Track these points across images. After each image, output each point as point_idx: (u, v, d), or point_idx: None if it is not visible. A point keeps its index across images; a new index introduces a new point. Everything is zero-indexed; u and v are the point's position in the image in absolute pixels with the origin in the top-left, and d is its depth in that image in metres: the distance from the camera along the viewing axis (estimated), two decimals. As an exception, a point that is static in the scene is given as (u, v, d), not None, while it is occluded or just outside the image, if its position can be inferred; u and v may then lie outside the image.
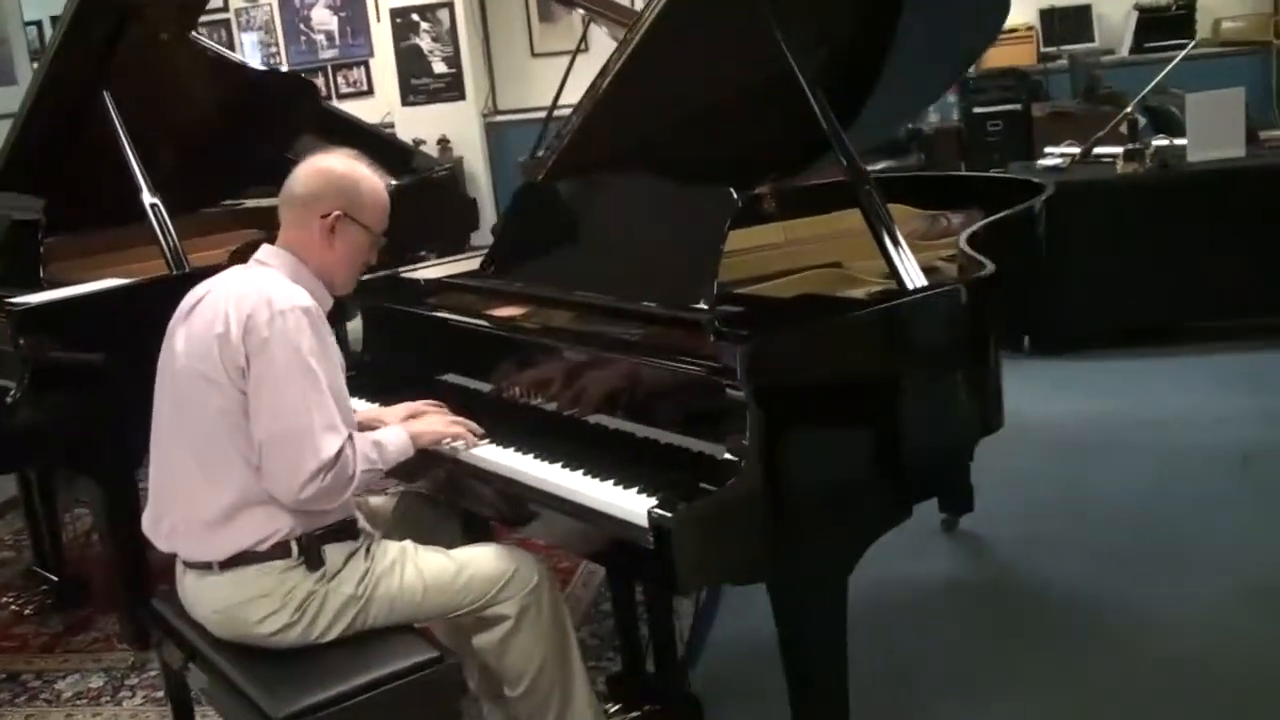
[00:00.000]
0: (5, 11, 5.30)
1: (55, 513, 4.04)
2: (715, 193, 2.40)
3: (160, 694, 3.31)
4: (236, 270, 2.45)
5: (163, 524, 2.42)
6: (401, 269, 3.30)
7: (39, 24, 9.42)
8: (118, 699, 3.35)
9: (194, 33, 4.16)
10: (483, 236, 7.76)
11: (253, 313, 2.26)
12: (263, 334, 2.24)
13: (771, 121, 3.16)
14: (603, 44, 7.20)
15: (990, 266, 2.45)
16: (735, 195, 2.37)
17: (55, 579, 4.02)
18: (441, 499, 2.74)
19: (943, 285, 2.46)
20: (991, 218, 2.98)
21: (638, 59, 2.76)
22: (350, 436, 2.32)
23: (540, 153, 7.05)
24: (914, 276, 2.37)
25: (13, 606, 3.98)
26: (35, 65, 5.82)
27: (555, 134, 3.01)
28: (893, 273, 2.40)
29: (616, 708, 2.87)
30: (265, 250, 2.46)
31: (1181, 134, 5.61)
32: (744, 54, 2.83)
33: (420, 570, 2.40)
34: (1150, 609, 3.28)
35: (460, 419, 2.56)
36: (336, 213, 2.41)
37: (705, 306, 2.30)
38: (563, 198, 2.87)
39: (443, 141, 8.85)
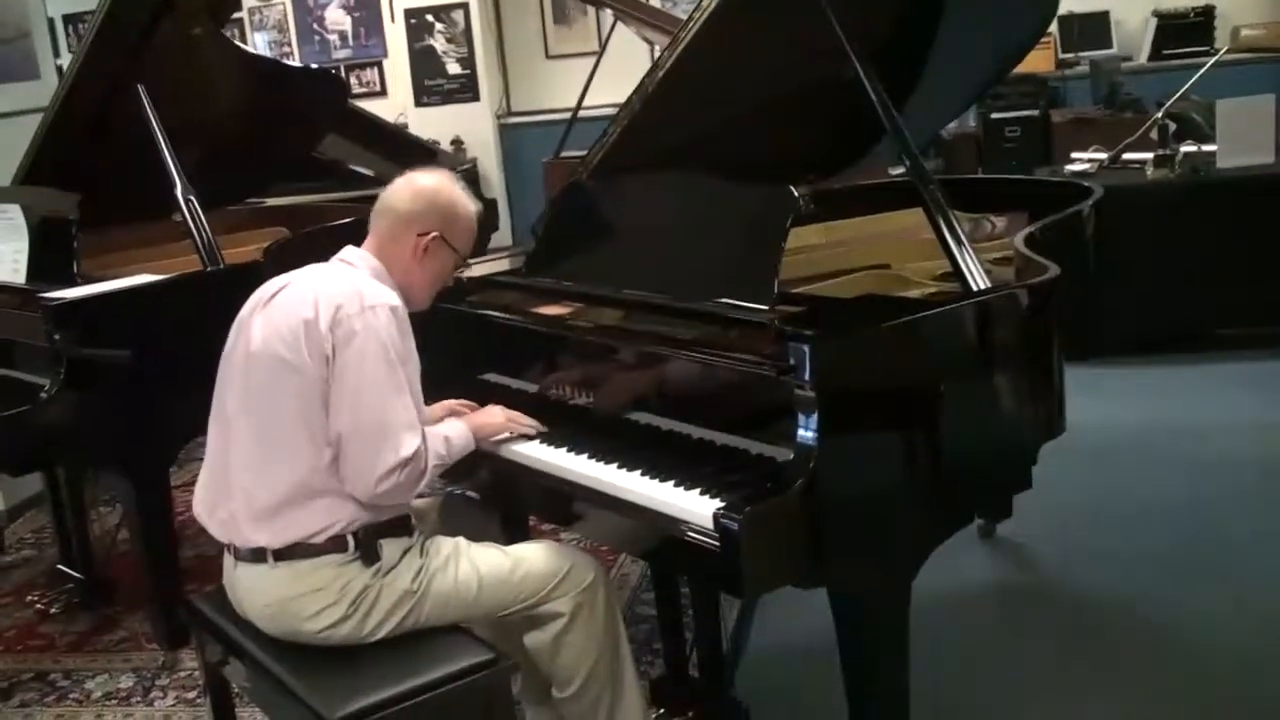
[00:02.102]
0: (29, 6, 5.26)
1: (82, 510, 4.00)
2: (777, 191, 2.36)
3: (193, 694, 3.29)
4: (317, 266, 2.45)
5: (219, 510, 2.39)
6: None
7: (50, 21, 9.40)
8: (149, 699, 3.31)
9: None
10: (501, 237, 7.76)
11: (344, 304, 2.26)
12: (353, 326, 2.25)
13: (817, 121, 3.15)
14: (623, 46, 7.19)
15: (1054, 269, 2.42)
16: (798, 194, 2.33)
17: (81, 577, 3.98)
18: (485, 500, 2.72)
19: (1014, 286, 2.43)
20: (1047, 220, 2.95)
21: (690, 56, 2.74)
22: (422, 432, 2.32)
23: (565, 153, 7.05)
24: (979, 279, 2.34)
25: (38, 605, 3.95)
26: (58, 61, 5.79)
27: (603, 132, 2.96)
28: (957, 274, 2.37)
29: (660, 712, 2.84)
30: (351, 251, 2.47)
31: (1200, 140, 5.61)
32: (797, 51, 2.81)
33: (476, 566, 2.38)
34: (1192, 617, 3.25)
35: (517, 413, 2.54)
36: (434, 234, 2.45)
37: (766, 306, 2.27)
38: (611, 196, 2.83)
39: (456, 142, 8.83)
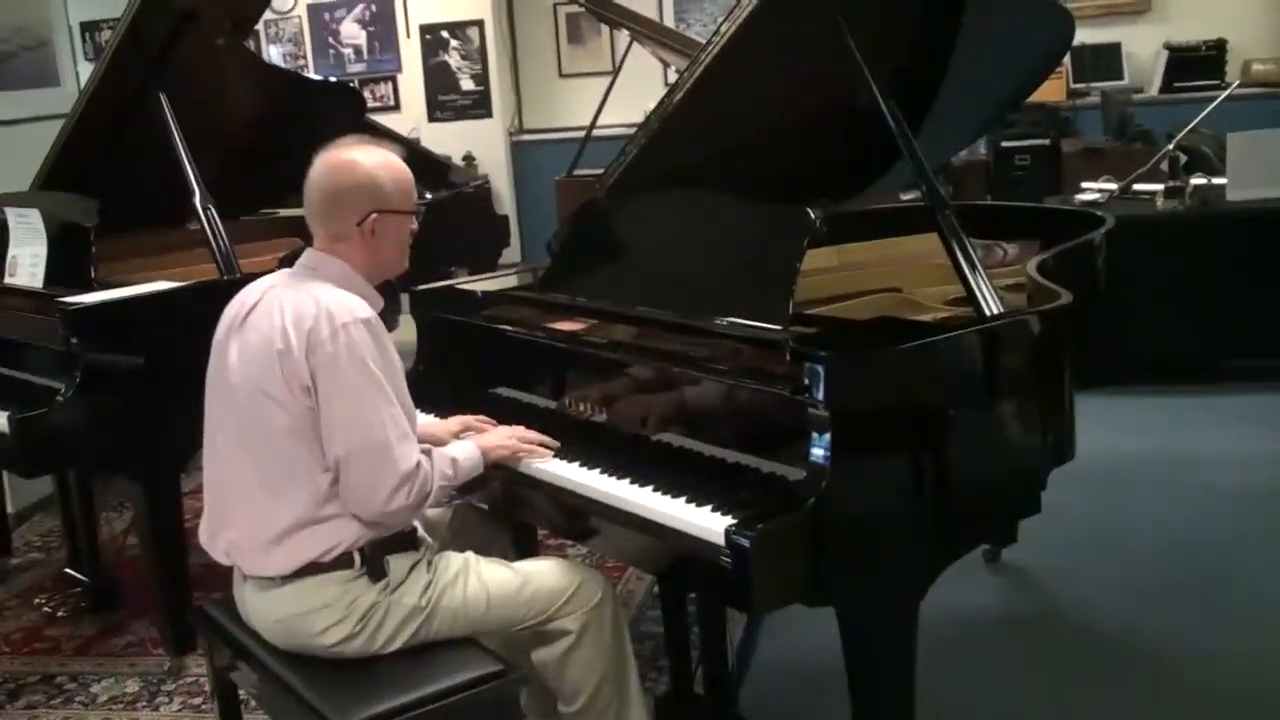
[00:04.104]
0: (50, 14, 5.32)
1: (91, 513, 4.01)
2: (792, 212, 2.39)
3: (199, 700, 3.30)
4: (282, 277, 2.40)
5: (220, 538, 2.40)
6: (455, 282, 3.30)
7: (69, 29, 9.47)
8: (154, 704, 3.33)
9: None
10: (512, 254, 7.79)
11: (314, 328, 2.23)
12: (327, 349, 2.22)
13: (833, 144, 3.17)
14: (636, 67, 7.24)
15: (1067, 296, 2.44)
16: (813, 216, 2.35)
17: (88, 581, 4.00)
18: (495, 512, 2.74)
19: (1027, 311, 2.46)
20: (1060, 247, 2.98)
21: (710, 77, 2.77)
22: (428, 451, 2.33)
23: (577, 171, 7.09)
24: (993, 304, 2.36)
25: (45, 608, 3.96)
26: (77, 69, 5.85)
27: (621, 150, 2.98)
28: (971, 298, 2.39)
29: (665, 729, 2.85)
30: (311, 255, 2.40)
31: (1210, 172, 5.64)
32: (816, 75, 2.83)
33: (485, 582, 2.38)
34: (1197, 647, 3.26)
35: (530, 432, 2.55)
36: (371, 216, 2.35)
37: (780, 326, 2.29)
38: (628, 214, 2.85)
39: (468, 158, 8.86)
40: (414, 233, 2.46)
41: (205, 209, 3.67)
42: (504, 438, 2.53)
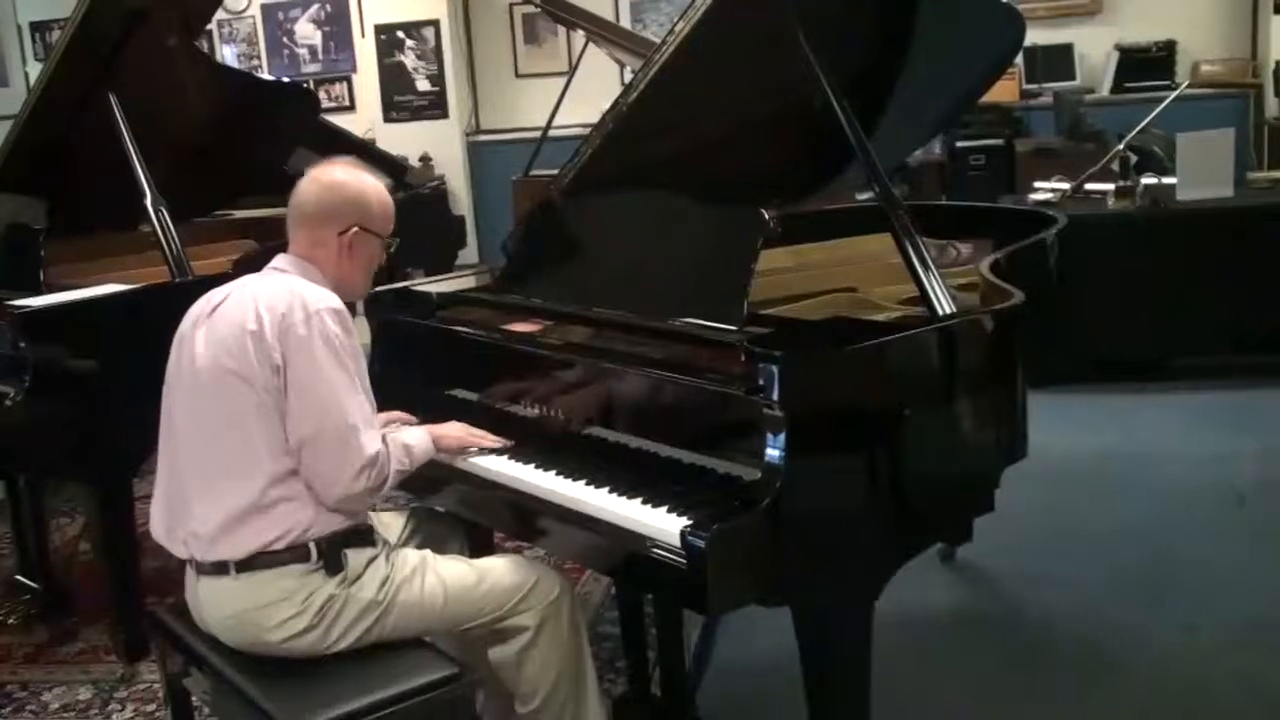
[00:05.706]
0: (-1, 14, 5.26)
1: (42, 519, 3.97)
2: (747, 213, 2.40)
3: (151, 707, 3.27)
4: (253, 276, 2.44)
5: (178, 529, 2.38)
6: (411, 283, 3.29)
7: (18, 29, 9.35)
8: (106, 712, 3.29)
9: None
10: (469, 255, 7.78)
11: (288, 311, 2.27)
12: (300, 332, 2.26)
13: (787, 145, 3.19)
14: (593, 67, 7.25)
15: (1019, 295, 2.47)
16: (767, 216, 2.36)
17: (39, 588, 3.94)
18: (452, 515, 2.73)
19: (980, 311, 2.47)
20: (1013, 247, 3.00)
21: (664, 78, 2.76)
22: (384, 439, 2.34)
23: (534, 171, 7.08)
24: (946, 303, 2.38)
25: (-5, 616, 3.91)
26: (27, 69, 5.78)
27: (575, 151, 2.98)
28: (924, 298, 2.40)
29: (623, 730, 2.85)
30: (283, 259, 2.46)
31: (1161, 171, 5.72)
32: (769, 75, 2.84)
33: (441, 578, 2.39)
34: (1149, 644, 3.29)
35: (478, 430, 2.57)
36: (354, 229, 2.44)
37: (735, 326, 2.29)
38: (583, 214, 2.85)
39: (424, 159, 8.84)
40: (380, 264, 2.56)
41: (157, 211, 3.63)
42: (455, 427, 2.57)
